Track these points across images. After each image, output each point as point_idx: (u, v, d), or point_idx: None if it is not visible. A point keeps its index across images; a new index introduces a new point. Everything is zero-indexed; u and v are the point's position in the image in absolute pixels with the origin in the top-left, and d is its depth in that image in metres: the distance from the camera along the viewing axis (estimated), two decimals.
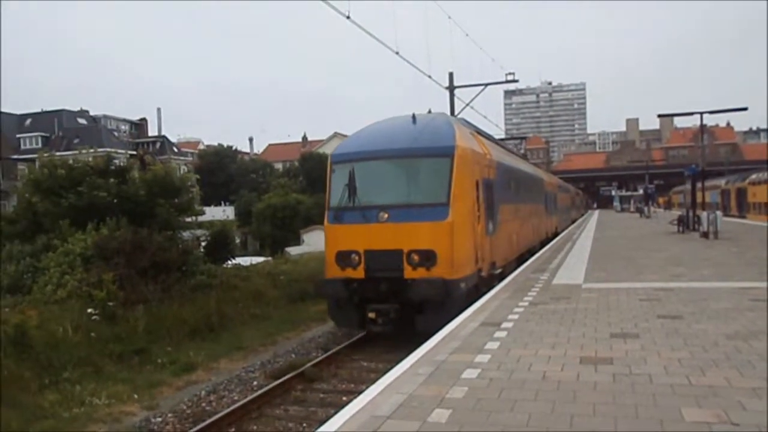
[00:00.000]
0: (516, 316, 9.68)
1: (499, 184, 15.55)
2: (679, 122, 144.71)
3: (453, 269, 11.48)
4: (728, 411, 5.02)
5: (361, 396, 6.00)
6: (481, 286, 12.97)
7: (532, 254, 20.92)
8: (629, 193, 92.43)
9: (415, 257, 11.49)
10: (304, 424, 8.78)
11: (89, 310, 13.90)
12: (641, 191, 76.83)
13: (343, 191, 12.27)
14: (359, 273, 11.90)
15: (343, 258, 12.05)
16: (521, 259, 18.77)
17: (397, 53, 18.51)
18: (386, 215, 11.77)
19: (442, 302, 11.14)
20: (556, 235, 32.23)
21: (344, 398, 9.29)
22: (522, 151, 34.25)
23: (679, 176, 53.13)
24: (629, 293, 11.52)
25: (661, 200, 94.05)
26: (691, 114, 30.07)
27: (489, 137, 18.54)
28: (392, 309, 11.58)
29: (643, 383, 5.90)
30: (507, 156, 19.52)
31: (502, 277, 14.70)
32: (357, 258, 11.90)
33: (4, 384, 11.26)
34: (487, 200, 13.75)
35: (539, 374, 6.41)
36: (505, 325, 9.06)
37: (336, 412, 5.70)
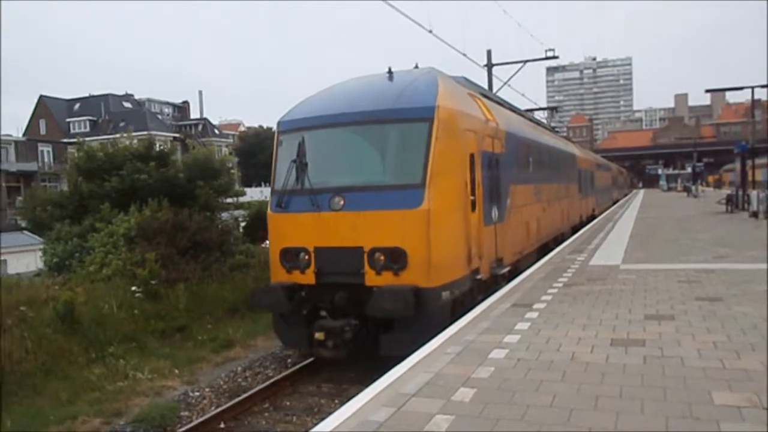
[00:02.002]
0: (549, 297, 9.59)
1: (512, 160, 12.67)
2: (731, 97, 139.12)
3: (430, 274, 8.61)
4: (760, 395, 4.88)
5: (388, 374, 6.07)
6: (478, 291, 10.16)
7: (559, 243, 18.34)
8: (676, 172, 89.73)
9: (380, 257, 8.71)
10: (336, 401, 8.95)
11: (133, 288, 14.39)
12: (689, 170, 74.48)
13: (289, 170, 9.51)
14: (309, 277, 9.26)
15: (289, 257, 9.44)
16: (545, 249, 16.40)
17: (430, 32, 18.29)
18: (341, 201, 9.01)
19: (413, 319, 8.40)
20: (592, 218, 29.18)
21: (375, 375, 9.41)
22: (552, 123, 29.75)
23: (730, 154, 51.20)
24: (668, 275, 11.25)
25: (711, 179, 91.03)
26: (741, 89, 28.84)
27: (502, 103, 15.32)
28: (347, 327, 8.80)
29: (674, 366, 5.79)
30: (525, 126, 15.98)
31: (513, 274, 12.12)
32: (306, 257, 9.25)
33: (54, 357, 11.82)
34: (490, 180, 10.82)
35: (568, 355, 6.35)
36: (537, 306, 8.99)
37: (364, 389, 5.79)
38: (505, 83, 25.62)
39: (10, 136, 61.20)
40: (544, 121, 30.42)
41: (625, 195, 65.76)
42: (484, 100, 12.04)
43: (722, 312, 7.97)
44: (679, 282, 10.43)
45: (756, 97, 31.09)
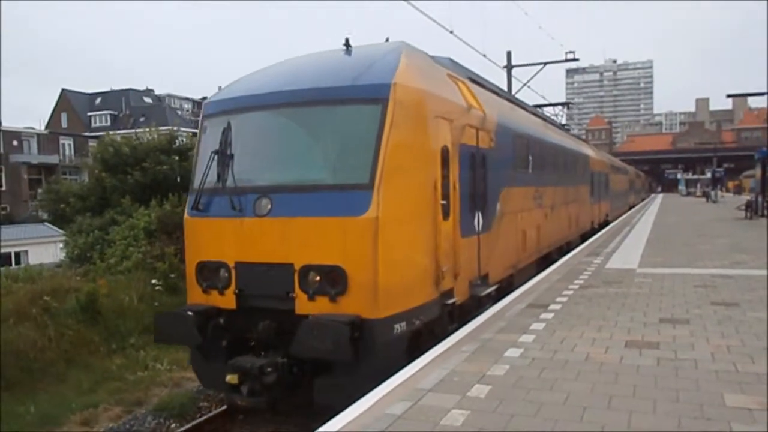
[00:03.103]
0: (565, 299, 9.67)
1: (505, 158, 10.73)
2: (753, 102, 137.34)
3: (378, 301, 6.59)
4: None
5: (405, 369, 6.21)
6: (451, 318, 8.14)
7: (563, 253, 16.37)
8: (696, 177, 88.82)
9: (314, 278, 6.79)
10: None
11: (153, 281, 14.67)
12: (709, 175, 73.69)
13: (209, 163, 7.65)
14: (228, 300, 7.32)
15: (207, 274, 7.52)
16: (547, 259, 14.71)
17: (451, 32, 18.38)
18: (268, 205, 7.10)
19: (356, 359, 6.44)
20: (605, 224, 27.14)
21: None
22: (563, 121, 25.65)
23: (751, 159, 50.64)
24: (685, 279, 11.27)
25: (731, 185, 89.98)
26: (763, 94, 28.58)
27: (497, 91, 12.77)
28: (269, 367, 6.80)
29: (687, 368, 5.87)
30: (526, 120, 13.78)
31: (503, 292, 10.23)
32: (225, 275, 7.35)
33: (76, 347, 12.12)
34: (473, 180, 8.92)
35: (582, 355, 6.45)
36: (552, 307, 9.08)
37: (380, 383, 5.93)
38: (525, 84, 25.63)
39: (33, 128, 62.25)
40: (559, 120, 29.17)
41: (643, 200, 65.14)
42: (471, 85, 9.88)
43: (737, 317, 8.01)
44: (695, 287, 10.45)
45: None
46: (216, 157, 7.57)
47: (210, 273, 7.48)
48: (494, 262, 9.95)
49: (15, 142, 56.64)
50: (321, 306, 6.73)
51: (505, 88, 23.98)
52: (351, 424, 4.85)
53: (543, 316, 8.46)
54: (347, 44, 8.26)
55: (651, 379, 5.59)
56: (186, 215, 8.00)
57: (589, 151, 24.01)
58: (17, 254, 37.44)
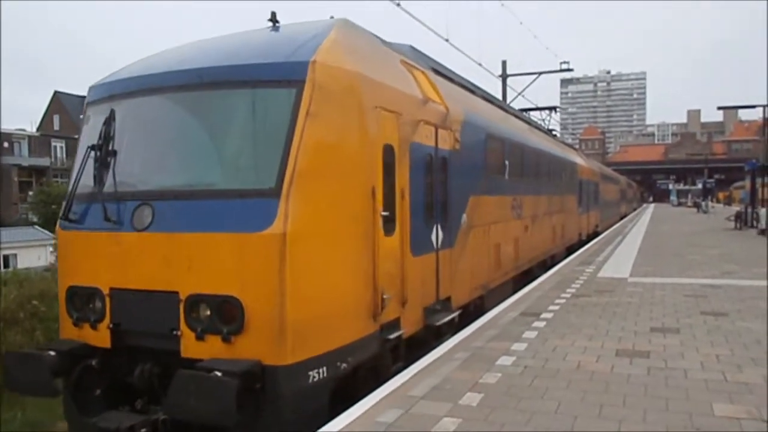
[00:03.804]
0: (557, 308, 9.71)
1: (473, 162, 9.40)
2: (744, 114, 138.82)
3: (286, 341, 5.15)
4: (761, 408, 5.02)
5: (398, 377, 6.22)
6: (393, 357, 6.76)
7: (547, 267, 15.41)
8: (687, 187, 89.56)
9: (204, 312, 5.32)
10: None
11: None
12: (700, 185, 74.29)
13: (84, 161, 6.17)
14: (102, 337, 5.78)
15: (78, 302, 5.99)
16: (528, 275, 13.58)
17: (446, 40, 18.49)
18: (149, 216, 5.60)
19: (257, 417, 5.18)
20: (595, 235, 26.29)
21: None
22: (549, 125, 23.94)
23: (741, 171, 51.11)
24: (675, 289, 11.35)
25: (721, 195, 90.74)
26: (754, 107, 28.88)
27: (468, 86, 11.04)
28: (141, 428, 5.24)
29: (677, 377, 5.92)
30: (502, 121, 12.17)
31: (471, 317, 9.18)
32: (99, 304, 5.82)
33: None
34: (429, 187, 7.67)
35: (573, 364, 6.48)
36: (544, 315, 9.12)
37: (372, 391, 5.94)
38: (519, 94, 25.78)
39: (24, 130, 61.98)
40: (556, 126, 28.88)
41: (634, 209, 65.50)
42: (434, 76, 8.62)
43: (726, 327, 8.08)
44: (685, 296, 10.53)
45: None
46: (93, 153, 6.04)
47: (81, 301, 5.89)
48: (459, 282, 8.67)
49: (6, 144, 56.37)
50: (213, 348, 5.19)
51: (500, 97, 24.11)
52: None
53: (535, 324, 8.50)
54: (274, 20, 6.68)
55: (641, 388, 5.64)
56: (58, 226, 6.38)
57: (577, 159, 22.82)
58: (6, 257, 37.24)
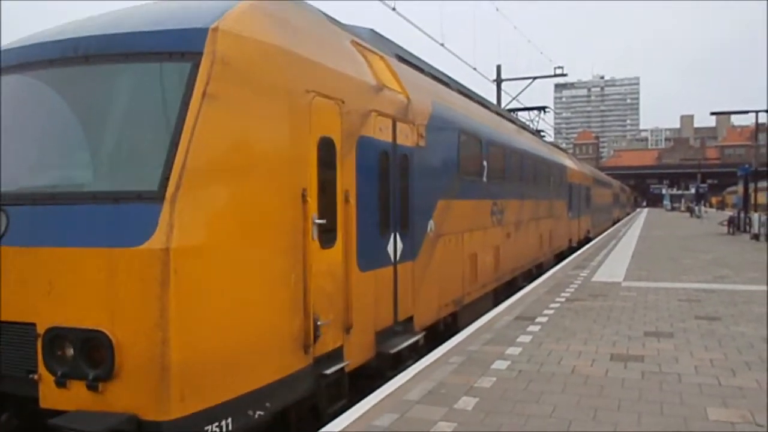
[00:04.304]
0: (551, 312, 9.74)
1: (442, 161, 8.43)
2: (736, 120, 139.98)
3: (170, 389, 3.90)
4: (754, 412, 5.05)
5: (392, 381, 6.22)
6: (334, 394, 5.55)
7: (533, 278, 14.43)
8: (680, 192, 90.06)
9: (67, 349, 4.08)
10: None
11: None
12: (693, 190, 74.73)
13: None
14: None
15: None
16: (512, 286, 12.72)
17: (442, 45, 18.57)
18: (2, 226, 4.38)
19: None
20: (586, 241, 25.46)
21: None
22: (536, 126, 23.15)
23: (734, 176, 51.48)
24: (669, 293, 11.41)
25: (714, 200, 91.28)
26: (746, 112, 29.10)
27: (443, 78, 9.99)
28: None
29: (671, 382, 5.95)
30: (480, 117, 10.91)
31: (440, 338, 8.21)
32: None
33: None
34: (383, 189, 6.54)
35: (568, 368, 6.50)
36: (539, 319, 9.14)
37: (366, 396, 5.94)
38: (514, 98, 25.91)
39: None
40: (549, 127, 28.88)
41: (628, 214, 65.72)
42: (395, 63, 7.64)
43: (720, 331, 8.13)
44: (679, 301, 10.58)
45: (761, 120, 31.32)
46: None
47: None
48: (424, 299, 7.61)
49: None
50: (78, 397, 4.00)
51: (494, 101, 24.19)
52: None
53: (530, 328, 8.52)
54: None
55: (636, 392, 5.66)
56: None
57: (567, 161, 21.70)
58: None
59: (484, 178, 10.40)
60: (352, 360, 5.83)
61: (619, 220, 49.07)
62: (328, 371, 5.33)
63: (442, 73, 10.25)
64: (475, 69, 21.10)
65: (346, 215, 5.74)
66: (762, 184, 47.20)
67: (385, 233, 6.59)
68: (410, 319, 7.24)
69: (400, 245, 6.94)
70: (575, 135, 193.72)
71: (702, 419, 4.94)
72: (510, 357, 7.01)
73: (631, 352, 7.11)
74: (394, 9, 14.72)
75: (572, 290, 11.99)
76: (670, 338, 7.77)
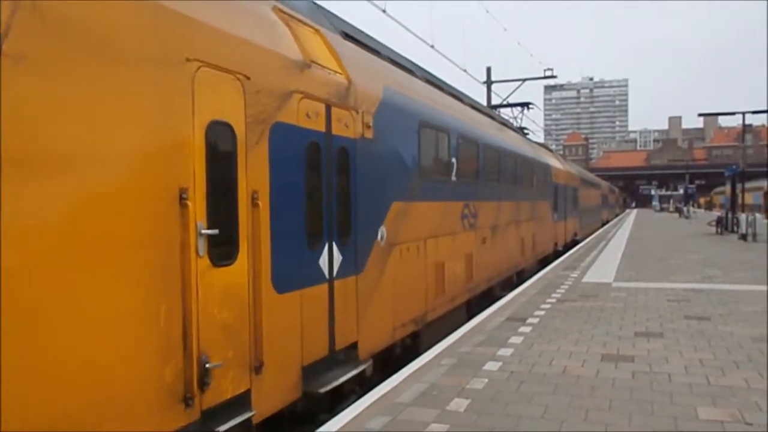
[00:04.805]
0: (542, 313, 9.78)
1: (397, 156, 7.29)
2: (723, 121, 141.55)
3: None
4: (743, 411, 5.09)
5: (384, 383, 6.22)
6: None
7: (514, 286, 13.60)
8: (669, 193, 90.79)
9: None
10: None
11: None
12: (681, 191, 75.36)
13: None
14: None
15: None
16: (488, 297, 11.73)
17: (432, 46, 18.61)
18: None
19: None
20: (573, 244, 24.65)
21: None
22: (520, 123, 22.21)
23: (721, 176, 51.97)
24: (658, 293, 11.49)
25: (702, 200, 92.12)
26: (733, 114, 29.39)
27: (402, 63, 8.80)
28: None
29: (661, 381, 5.98)
30: (449, 109, 9.74)
31: (396, 364, 7.28)
32: None
33: None
34: (311, 188, 5.43)
35: (560, 369, 6.53)
36: (530, 320, 9.17)
37: (358, 398, 5.94)
38: (504, 100, 26.00)
39: None
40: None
41: (617, 215, 66.09)
42: (337, 39, 6.51)
43: (709, 331, 8.19)
44: (668, 301, 10.65)
45: (747, 122, 31.63)
46: None
47: None
48: (372, 321, 6.51)
49: None
50: None
51: (484, 103, 24.24)
52: None
53: (521, 329, 8.54)
54: None
55: (626, 392, 5.69)
56: None
57: (552, 161, 20.64)
58: None
59: (453, 177, 9.31)
60: (264, 407, 4.64)
61: (608, 222, 49.22)
62: (224, 427, 4.12)
63: (406, 59, 9.30)
64: (465, 71, 21.17)
65: (255, 222, 4.54)
66: (749, 184, 47.78)
67: (316, 243, 5.44)
68: (353, 345, 6.09)
69: (338, 257, 5.82)
70: (565, 136, 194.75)
71: (692, 419, 4.97)
72: (502, 358, 7.03)
73: (622, 353, 7.14)
74: (384, 11, 14.74)
75: (563, 291, 12.04)
76: (660, 338, 7.82)
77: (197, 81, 4.01)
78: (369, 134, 6.50)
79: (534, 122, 30.36)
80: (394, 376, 6.41)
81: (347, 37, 7.06)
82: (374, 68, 7.22)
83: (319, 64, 5.68)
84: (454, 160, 9.35)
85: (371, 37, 8.10)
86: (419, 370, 6.60)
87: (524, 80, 26.54)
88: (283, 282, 4.92)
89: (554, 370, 6.50)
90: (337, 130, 5.86)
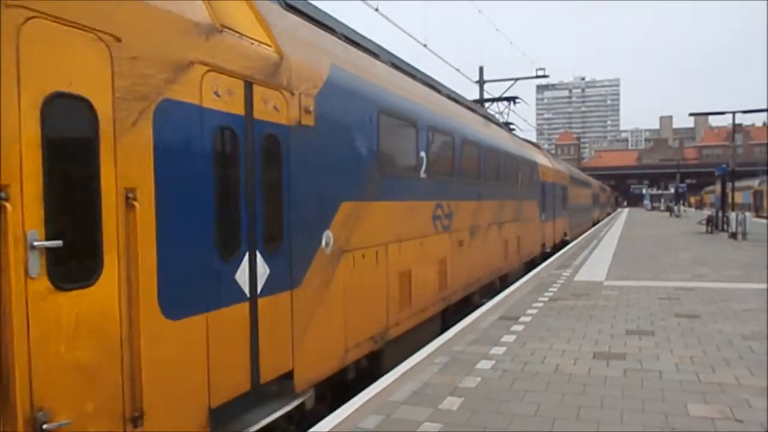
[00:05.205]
0: (535, 311, 9.81)
1: (347, 150, 6.23)
2: (714, 121, 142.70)
3: None
4: (733, 408, 5.14)
5: (377, 382, 6.23)
6: None
7: (496, 292, 12.42)
8: (660, 192, 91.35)
9: None
10: None
11: None
12: (672, 190, 75.82)
13: None
14: None
15: None
16: (467, 304, 10.76)
17: (425, 46, 18.63)
18: None
19: None
20: (562, 245, 23.72)
21: None
22: (506, 118, 21.29)
23: (712, 176, 52.35)
24: (649, 292, 11.56)
25: (693, 200, 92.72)
26: (723, 113, 29.60)
27: (362, 44, 7.77)
28: None
29: (652, 379, 6.03)
30: (417, 97, 8.58)
31: (356, 384, 6.43)
32: None
33: None
34: (221, 185, 4.35)
35: (552, 367, 6.56)
36: (523, 319, 9.21)
37: (351, 398, 5.95)
38: (496, 99, 26.06)
39: None
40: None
41: (608, 214, 66.30)
42: (268, 5, 5.41)
43: (700, 329, 8.25)
44: (659, 299, 10.72)
45: (737, 121, 31.89)
46: None
47: None
48: (314, 343, 5.46)
49: None
50: None
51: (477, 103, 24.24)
52: None
53: (514, 328, 8.58)
54: None
55: (618, 389, 5.73)
56: None
57: (539, 157, 19.59)
58: None
59: (423, 174, 8.25)
60: None
61: (599, 221, 49.22)
62: None
63: (371, 42, 8.29)
64: (458, 70, 21.21)
65: (130, 228, 3.54)
66: (739, 183, 48.17)
67: (230, 253, 4.41)
68: (288, 375, 5.06)
69: (264, 269, 4.77)
70: (557, 136, 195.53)
71: (683, 415, 5.02)
72: (494, 357, 7.05)
73: (614, 350, 7.19)
74: (377, 9, 14.73)
75: (555, 290, 12.10)
76: (651, 336, 7.88)
77: (24, 37, 2.94)
78: (309, 120, 5.39)
79: (526, 121, 30.41)
80: (387, 375, 6.42)
81: (290, 8, 6.03)
82: (320, 44, 6.12)
83: (236, 32, 4.59)
84: (423, 154, 8.31)
85: (325, 13, 6.99)
86: (412, 369, 6.62)
87: (516, 80, 26.61)
88: (178, 304, 3.86)
89: (546, 368, 6.53)
90: (262, 113, 4.78)
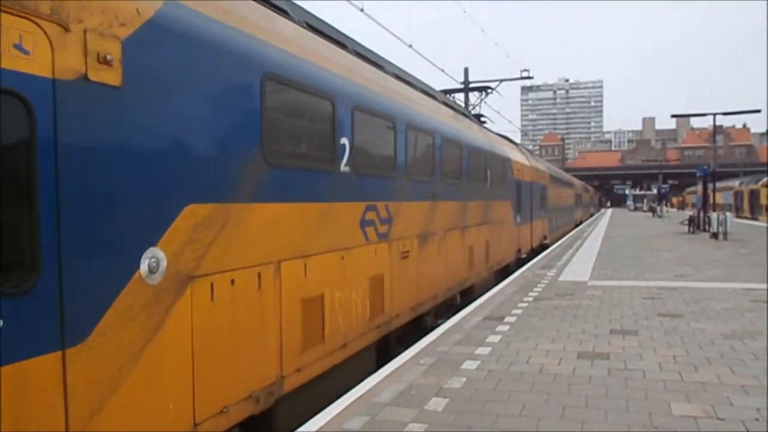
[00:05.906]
0: (519, 311, 9.85)
1: (197, 123, 4.15)
2: (695, 122, 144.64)
3: None
4: (716, 406, 5.19)
5: (362, 384, 6.20)
6: None
7: (457, 309, 10.77)
8: (643, 193, 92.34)
9: None
10: None
11: None
12: (655, 191, 76.66)
13: None
14: None
15: None
16: (418, 325, 9.13)
17: (410, 46, 18.65)
18: None
19: None
20: (542, 249, 22.53)
21: None
22: (479, 110, 19.84)
23: (693, 176, 53.03)
24: (633, 291, 11.65)
25: (675, 200, 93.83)
26: (705, 115, 30.00)
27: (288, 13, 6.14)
28: None
29: (636, 378, 6.07)
30: (322, 60, 6.11)
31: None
32: None
33: None
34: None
35: (537, 367, 6.58)
36: (508, 319, 9.23)
37: (336, 399, 5.92)
38: (481, 100, 26.14)
39: None
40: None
41: (592, 215, 66.79)
42: None
43: (682, 328, 8.33)
44: (642, 299, 10.82)
45: (718, 123, 32.29)
46: None
47: None
48: (119, 426, 3.48)
49: None
50: None
51: (462, 104, 24.34)
52: None
53: (499, 328, 8.60)
54: None
55: (602, 389, 5.76)
56: None
57: (513, 154, 17.28)
58: None
59: (343, 167, 6.36)
60: None
61: (582, 222, 49.11)
62: None
63: (317, 19, 7.02)
64: (442, 70, 21.25)
65: None
66: (720, 184, 48.88)
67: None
68: None
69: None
70: (541, 137, 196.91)
71: (666, 414, 5.05)
72: (479, 357, 7.06)
73: (598, 350, 7.23)
74: (362, 10, 14.71)
75: (540, 290, 12.15)
76: (634, 336, 7.94)
77: None
78: (108, 77, 3.45)
79: (511, 122, 30.55)
80: (373, 376, 6.40)
81: None
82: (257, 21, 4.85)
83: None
84: (345, 141, 6.43)
85: None
86: (397, 370, 6.60)
87: (501, 81, 26.70)
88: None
89: (531, 368, 6.55)
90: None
